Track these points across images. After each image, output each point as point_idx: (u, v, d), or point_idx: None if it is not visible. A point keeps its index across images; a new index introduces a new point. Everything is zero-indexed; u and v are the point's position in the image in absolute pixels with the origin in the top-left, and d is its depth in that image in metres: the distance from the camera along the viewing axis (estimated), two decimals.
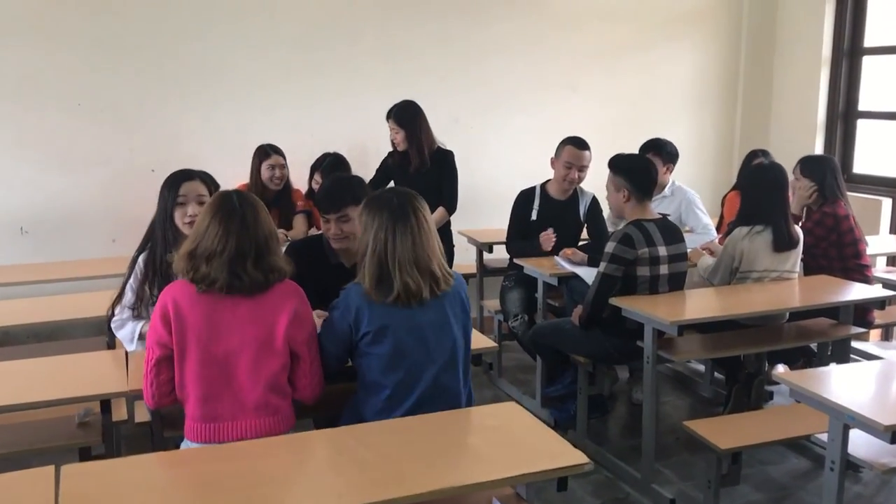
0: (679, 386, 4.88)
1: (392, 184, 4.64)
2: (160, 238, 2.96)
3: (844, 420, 2.60)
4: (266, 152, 4.67)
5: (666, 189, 4.84)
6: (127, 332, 3.01)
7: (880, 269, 5.13)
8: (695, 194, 4.89)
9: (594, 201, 4.54)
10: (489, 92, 5.59)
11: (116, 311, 3.05)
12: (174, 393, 2.45)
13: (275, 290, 2.48)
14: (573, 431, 4.07)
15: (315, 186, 4.69)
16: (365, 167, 4.72)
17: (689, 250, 3.88)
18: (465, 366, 2.66)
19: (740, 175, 4.95)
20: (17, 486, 1.96)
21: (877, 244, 5.00)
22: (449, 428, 2.38)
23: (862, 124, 5.97)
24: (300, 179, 4.88)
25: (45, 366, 2.83)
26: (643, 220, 3.69)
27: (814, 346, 4.06)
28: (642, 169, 3.76)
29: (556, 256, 4.32)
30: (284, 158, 4.70)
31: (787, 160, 4.64)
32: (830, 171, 4.37)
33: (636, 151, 4.49)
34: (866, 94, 5.93)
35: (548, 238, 4.35)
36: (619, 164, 3.77)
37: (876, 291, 3.97)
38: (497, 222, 5.27)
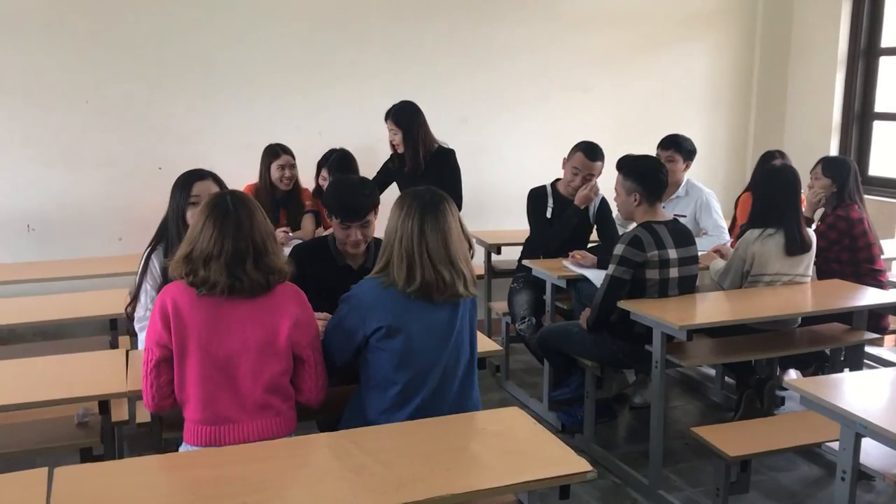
0: (689, 390, 4.82)
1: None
2: (175, 237, 2.95)
3: (856, 428, 2.53)
4: (276, 152, 4.63)
5: (681, 189, 4.75)
6: None
7: (895, 273, 5.04)
8: (711, 194, 4.78)
9: (604, 202, 4.49)
10: (499, 92, 5.54)
11: (138, 313, 3.04)
12: (174, 395, 2.42)
13: (276, 292, 2.45)
14: (580, 436, 4.03)
15: (322, 183, 4.65)
16: (373, 169, 4.69)
17: (700, 253, 3.82)
18: (473, 370, 2.65)
19: (754, 176, 4.88)
20: (9, 488, 1.94)
21: (892, 248, 4.91)
22: (450, 433, 2.34)
23: (878, 126, 5.88)
24: (308, 179, 4.85)
25: (43, 365, 2.80)
26: (653, 222, 3.64)
27: (827, 351, 3.99)
28: (653, 172, 3.70)
29: (564, 260, 4.26)
30: (294, 158, 4.67)
31: (802, 162, 4.58)
32: (852, 173, 4.32)
33: (650, 153, 4.40)
34: (883, 96, 5.84)
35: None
36: (629, 168, 3.71)
37: (890, 297, 3.89)
38: (506, 224, 5.24)
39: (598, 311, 3.66)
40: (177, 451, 2.48)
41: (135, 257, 3.22)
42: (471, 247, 2.66)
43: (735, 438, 3.15)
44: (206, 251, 2.37)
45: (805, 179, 4.49)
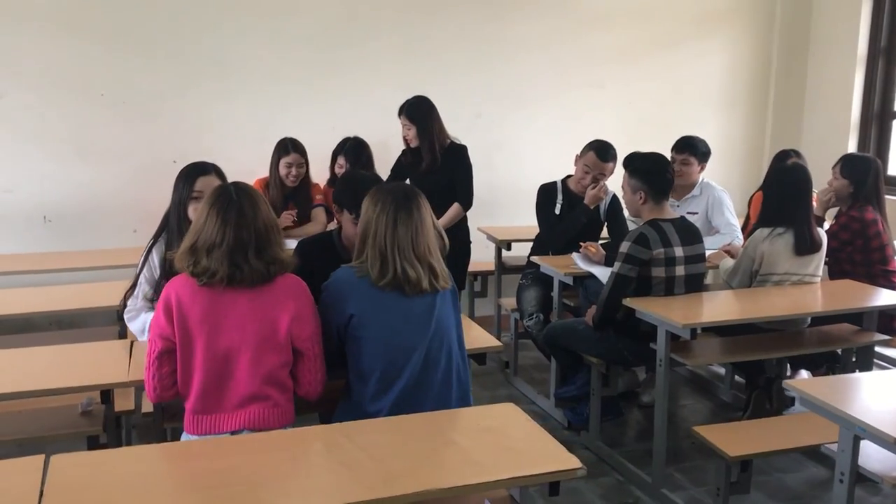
0: (698, 389, 4.80)
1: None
2: (175, 231, 2.97)
3: (854, 431, 2.51)
4: (286, 148, 4.61)
5: (695, 188, 4.73)
6: (139, 323, 3.03)
7: None
8: (724, 192, 4.75)
9: (615, 200, 4.47)
10: (513, 88, 5.54)
11: (129, 303, 3.07)
12: (176, 386, 2.45)
13: (277, 284, 2.47)
14: (586, 433, 4.02)
15: (339, 171, 4.67)
16: (386, 165, 4.71)
17: (709, 252, 3.79)
18: (462, 359, 2.67)
19: (767, 175, 4.83)
20: (4, 475, 1.97)
21: None
22: (443, 428, 2.35)
23: None
24: (321, 173, 4.87)
25: (48, 355, 2.84)
26: (660, 219, 3.62)
27: (839, 351, 3.95)
28: (659, 170, 3.67)
29: (574, 254, 4.25)
30: (305, 155, 4.65)
31: (820, 161, 4.53)
32: (874, 172, 4.24)
33: (664, 151, 4.36)
34: None
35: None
36: (635, 166, 3.69)
37: None
38: (518, 220, 5.23)
39: (604, 308, 3.66)
40: (178, 440, 2.52)
41: None
42: (444, 242, 2.68)
43: (736, 438, 3.13)
44: (210, 241, 2.40)
45: (828, 176, 4.44)
